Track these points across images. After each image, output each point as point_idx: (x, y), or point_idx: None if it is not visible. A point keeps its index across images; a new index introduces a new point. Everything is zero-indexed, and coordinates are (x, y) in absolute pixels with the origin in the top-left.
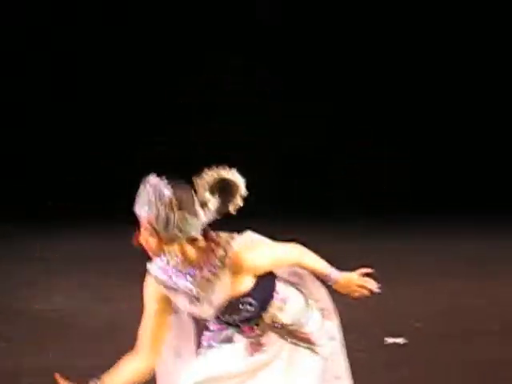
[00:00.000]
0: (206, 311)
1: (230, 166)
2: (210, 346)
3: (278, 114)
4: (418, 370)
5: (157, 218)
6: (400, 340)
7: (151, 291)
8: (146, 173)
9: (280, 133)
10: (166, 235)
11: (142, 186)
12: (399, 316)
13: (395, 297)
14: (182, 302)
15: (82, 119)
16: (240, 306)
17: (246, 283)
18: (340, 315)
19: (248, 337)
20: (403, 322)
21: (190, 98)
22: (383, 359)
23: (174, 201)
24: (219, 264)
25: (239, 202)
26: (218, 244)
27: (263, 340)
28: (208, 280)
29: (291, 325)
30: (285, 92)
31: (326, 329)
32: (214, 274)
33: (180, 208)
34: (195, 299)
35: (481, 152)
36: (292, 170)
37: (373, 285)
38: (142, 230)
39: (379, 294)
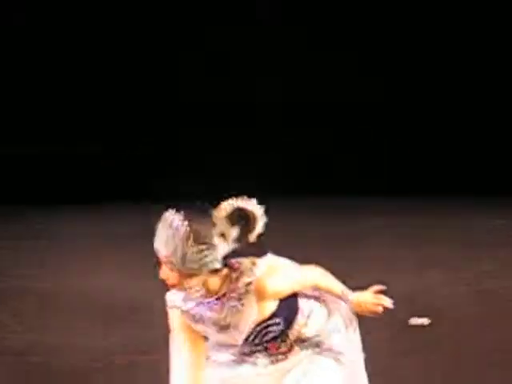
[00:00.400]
0: (235, 338)
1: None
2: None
3: None
4: (442, 351)
5: (174, 253)
6: (424, 321)
7: (178, 322)
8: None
9: None
10: (185, 270)
11: (159, 222)
12: (424, 297)
13: (421, 277)
14: (208, 332)
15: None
16: (267, 328)
17: (271, 306)
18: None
19: (273, 354)
20: (428, 303)
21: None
22: (407, 340)
23: (190, 235)
24: (244, 291)
25: (259, 230)
26: (241, 272)
27: (290, 357)
28: (235, 308)
29: (316, 336)
30: None
31: (349, 337)
32: (240, 302)
33: (197, 242)
34: (223, 328)
35: None
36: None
37: (387, 302)
38: (162, 265)
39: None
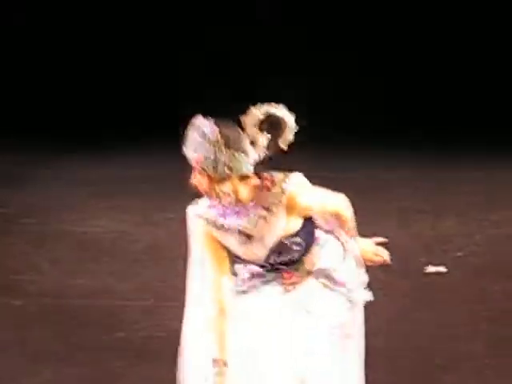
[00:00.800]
0: (258, 251)
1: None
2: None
3: None
4: (457, 299)
5: (205, 158)
6: (441, 269)
7: (200, 233)
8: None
9: None
10: (216, 175)
11: (188, 128)
12: (442, 245)
13: (439, 225)
14: (232, 243)
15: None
16: (288, 246)
17: (296, 223)
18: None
19: (285, 283)
20: (445, 251)
21: None
22: (423, 286)
23: (220, 139)
24: (276, 202)
25: (290, 137)
26: (273, 182)
27: (301, 285)
28: (263, 218)
29: (329, 269)
30: None
31: (360, 277)
32: (270, 212)
33: (227, 146)
34: (248, 239)
35: None
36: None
37: (385, 255)
38: (193, 171)
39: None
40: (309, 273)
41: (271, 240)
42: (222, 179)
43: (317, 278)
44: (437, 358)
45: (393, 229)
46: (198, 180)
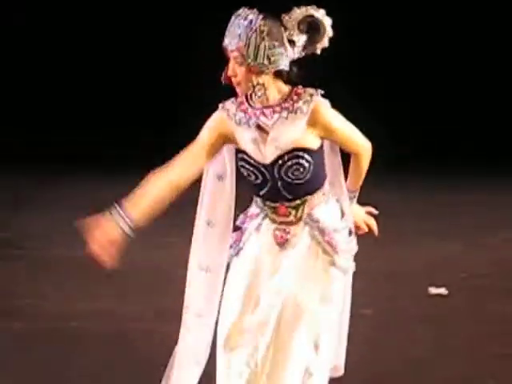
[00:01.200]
0: (268, 152)
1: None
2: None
3: None
4: (460, 321)
5: (247, 45)
6: (443, 290)
7: (216, 124)
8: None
9: None
10: (255, 63)
11: (232, 18)
12: (445, 267)
13: (443, 247)
14: (247, 140)
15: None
16: (297, 159)
17: (313, 141)
18: (386, 264)
19: (279, 222)
20: (449, 273)
21: None
22: (426, 309)
23: (264, 29)
24: (302, 107)
25: (325, 42)
26: (303, 92)
27: (291, 232)
28: (285, 119)
29: (324, 224)
30: None
31: (350, 245)
32: (294, 116)
33: (270, 36)
34: (263, 140)
35: None
36: None
37: (375, 226)
38: (231, 61)
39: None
40: (301, 218)
41: (284, 144)
42: (260, 70)
43: (311, 228)
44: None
45: (396, 250)
46: (233, 70)
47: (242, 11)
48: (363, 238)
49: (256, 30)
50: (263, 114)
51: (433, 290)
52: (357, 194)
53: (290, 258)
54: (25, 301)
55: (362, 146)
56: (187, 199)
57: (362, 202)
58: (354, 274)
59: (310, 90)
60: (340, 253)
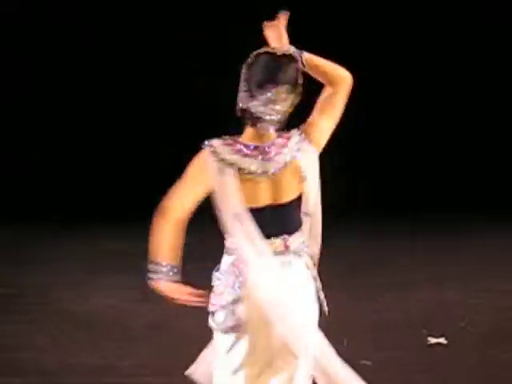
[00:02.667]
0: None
1: None
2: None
3: None
4: (460, 370)
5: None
6: (442, 340)
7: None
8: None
9: None
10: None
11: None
12: (444, 316)
13: (441, 296)
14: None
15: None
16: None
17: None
18: (382, 313)
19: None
20: (447, 322)
21: None
22: (425, 359)
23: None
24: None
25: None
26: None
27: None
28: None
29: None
30: None
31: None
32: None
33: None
34: (262, 154)
35: None
36: None
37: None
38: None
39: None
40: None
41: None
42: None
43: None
44: None
45: (394, 299)
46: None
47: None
48: (361, 288)
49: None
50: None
51: (432, 340)
52: None
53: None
54: (23, 355)
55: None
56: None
57: (364, 251)
58: (354, 325)
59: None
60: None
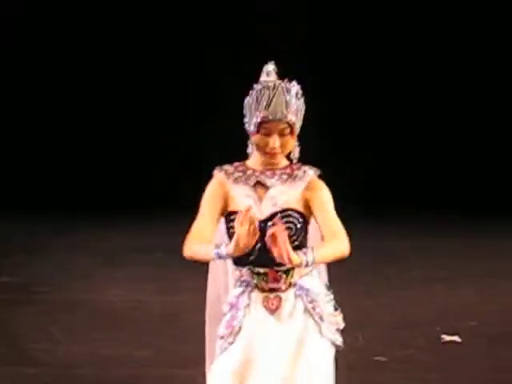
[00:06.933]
0: (265, 209)
1: None
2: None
3: None
4: (472, 370)
5: (297, 113)
6: (456, 338)
7: (214, 186)
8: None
9: None
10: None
11: (271, 91)
12: (455, 314)
13: (451, 295)
14: (244, 196)
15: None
16: (290, 219)
17: (304, 208)
18: (396, 311)
19: (268, 289)
20: (459, 321)
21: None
22: (438, 357)
23: (300, 92)
24: (301, 175)
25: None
26: (300, 165)
27: (283, 298)
28: (285, 181)
29: (313, 293)
30: None
31: (338, 321)
32: (292, 181)
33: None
34: (259, 197)
35: None
36: None
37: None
38: (274, 135)
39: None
40: (291, 285)
41: (282, 200)
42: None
43: (301, 297)
44: None
45: (408, 297)
46: (283, 143)
47: (279, 83)
48: (376, 284)
49: (299, 98)
50: (264, 174)
51: (446, 338)
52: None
53: (286, 334)
54: (37, 346)
55: (345, 236)
56: None
57: (375, 248)
58: (369, 322)
59: (308, 167)
60: (326, 324)
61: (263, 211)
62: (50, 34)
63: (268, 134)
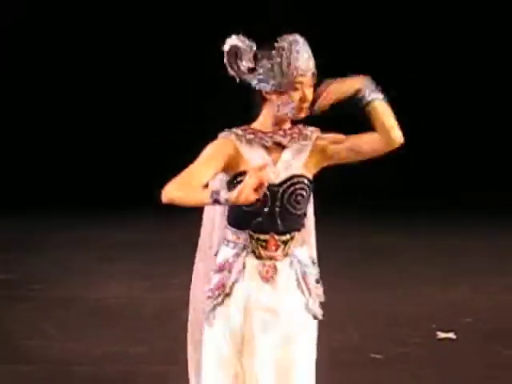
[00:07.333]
0: (276, 175)
1: None
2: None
3: None
4: (466, 364)
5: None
6: (451, 335)
7: (221, 145)
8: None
9: None
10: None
11: (297, 45)
12: (450, 311)
13: (446, 292)
14: (258, 159)
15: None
16: (302, 186)
17: (312, 171)
18: (391, 308)
19: (265, 256)
20: (454, 318)
21: None
22: (433, 354)
23: None
24: (308, 134)
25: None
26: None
27: (277, 267)
28: (297, 139)
29: (305, 266)
30: None
31: (319, 294)
32: (302, 141)
33: None
34: (274, 159)
35: None
36: None
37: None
38: (305, 86)
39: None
40: (287, 255)
41: (296, 165)
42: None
43: (295, 267)
44: None
45: (404, 294)
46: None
47: (298, 37)
48: (371, 281)
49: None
50: (276, 134)
51: (441, 334)
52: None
53: (280, 308)
54: (31, 343)
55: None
56: (195, 242)
57: (370, 245)
58: (365, 319)
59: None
60: (314, 297)
61: (278, 174)
62: (49, 34)
63: (301, 89)
